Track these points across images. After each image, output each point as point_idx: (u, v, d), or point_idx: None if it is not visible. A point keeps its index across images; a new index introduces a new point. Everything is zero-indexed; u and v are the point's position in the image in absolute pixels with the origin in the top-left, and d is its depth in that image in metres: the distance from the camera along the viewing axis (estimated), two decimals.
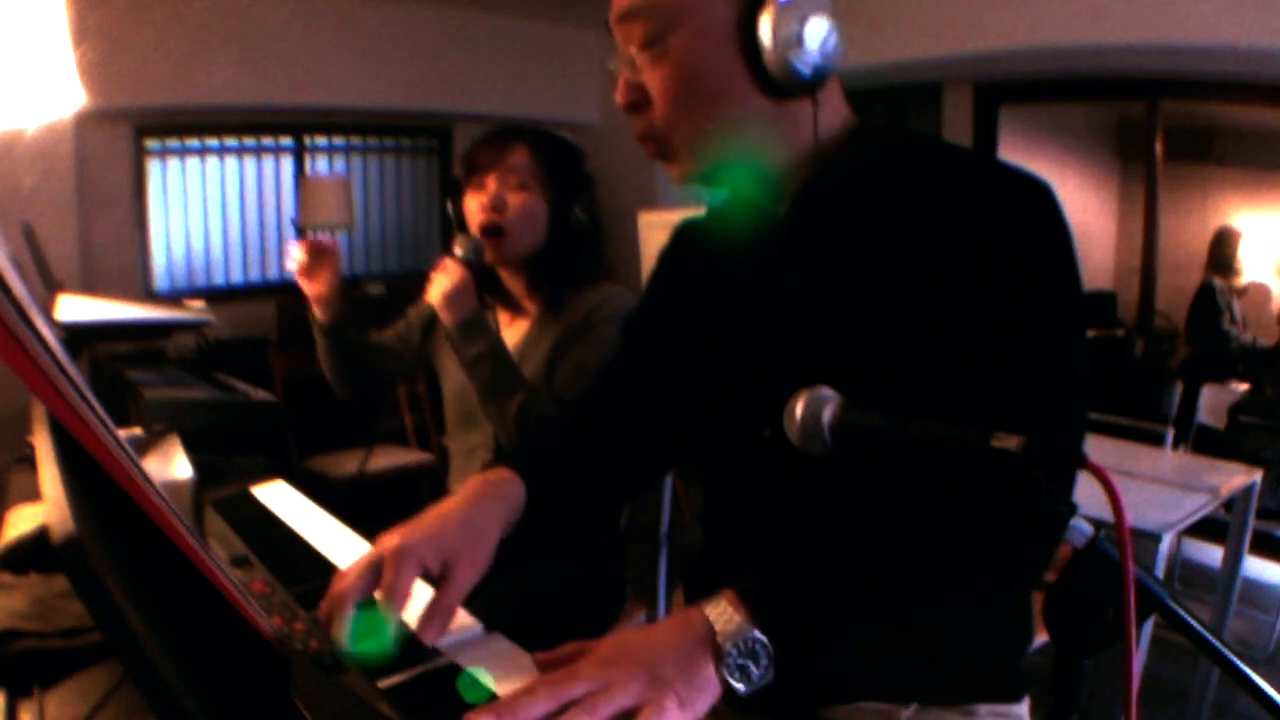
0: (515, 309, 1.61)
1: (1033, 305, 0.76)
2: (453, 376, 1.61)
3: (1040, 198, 0.78)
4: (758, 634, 0.69)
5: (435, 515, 0.85)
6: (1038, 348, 0.76)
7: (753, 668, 0.69)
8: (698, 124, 0.83)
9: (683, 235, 1.08)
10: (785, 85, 0.80)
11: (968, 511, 0.71)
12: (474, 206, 1.52)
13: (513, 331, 1.59)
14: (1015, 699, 0.89)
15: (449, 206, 1.60)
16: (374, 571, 0.79)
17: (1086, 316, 0.80)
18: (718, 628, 0.70)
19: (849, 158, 0.85)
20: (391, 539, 0.81)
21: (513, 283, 1.59)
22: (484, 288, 1.55)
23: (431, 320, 1.57)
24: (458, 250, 1.46)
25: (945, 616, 0.75)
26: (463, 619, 0.85)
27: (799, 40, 0.78)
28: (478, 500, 0.88)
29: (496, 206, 1.49)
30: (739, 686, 0.69)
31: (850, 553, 0.74)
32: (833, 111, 0.86)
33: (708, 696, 0.68)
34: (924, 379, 0.77)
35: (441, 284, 1.44)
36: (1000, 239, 0.76)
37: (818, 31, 0.79)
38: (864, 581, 0.73)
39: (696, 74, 0.81)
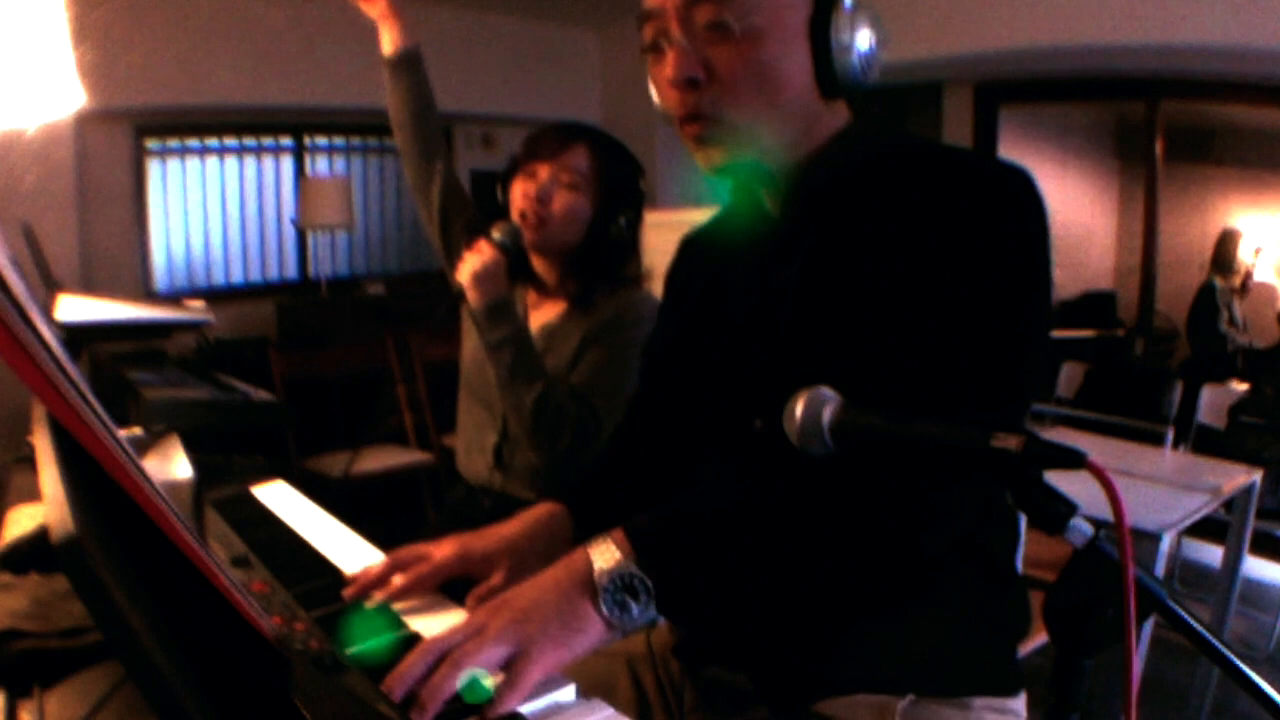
0: (546, 293, 1.61)
1: (983, 278, 0.76)
2: (472, 341, 1.61)
3: (1012, 182, 0.78)
4: (635, 569, 0.72)
5: (488, 534, 0.95)
6: (978, 321, 0.75)
7: (632, 603, 0.72)
8: (763, 108, 0.83)
9: (686, 249, 1.09)
10: (843, 85, 0.83)
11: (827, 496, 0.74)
12: (518, 193, 1.52)
13: (541, 314, 1.59)
14: (1012, 693, 0.89)
15: (498, 191, 1.59)
16: (414, 561, 0.90)
17: (1046, 301, 0.80)
18: (597, 565, 0.73)
19: (839, 158, 0.87)
20: (445, 545, 0.92)
21: (545, 272, 1.59)
22: (516, 271, 1.55)
23: (461, 298, 1.54)
24: (495, 234, 1.46)
25: (811, 581, 0.78)
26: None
27: (865, 44, 0.82)
28: (530, 533, 0.97)
29: (541, 199, 1.49)
30: (616, 620, 0.72)
31: (736, 509, 0.77)
32: (837, 113, 0.88)
33: (588, 636, 0.71)
34: (903, 367, 0.77)
35: (473, 264, 1.43)
36: (961, 216, 0.77)
37: (877, 38, 0.83)
38: (739, 531, 0.76)
39: (778, 59, 0.81)
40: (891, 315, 0.78)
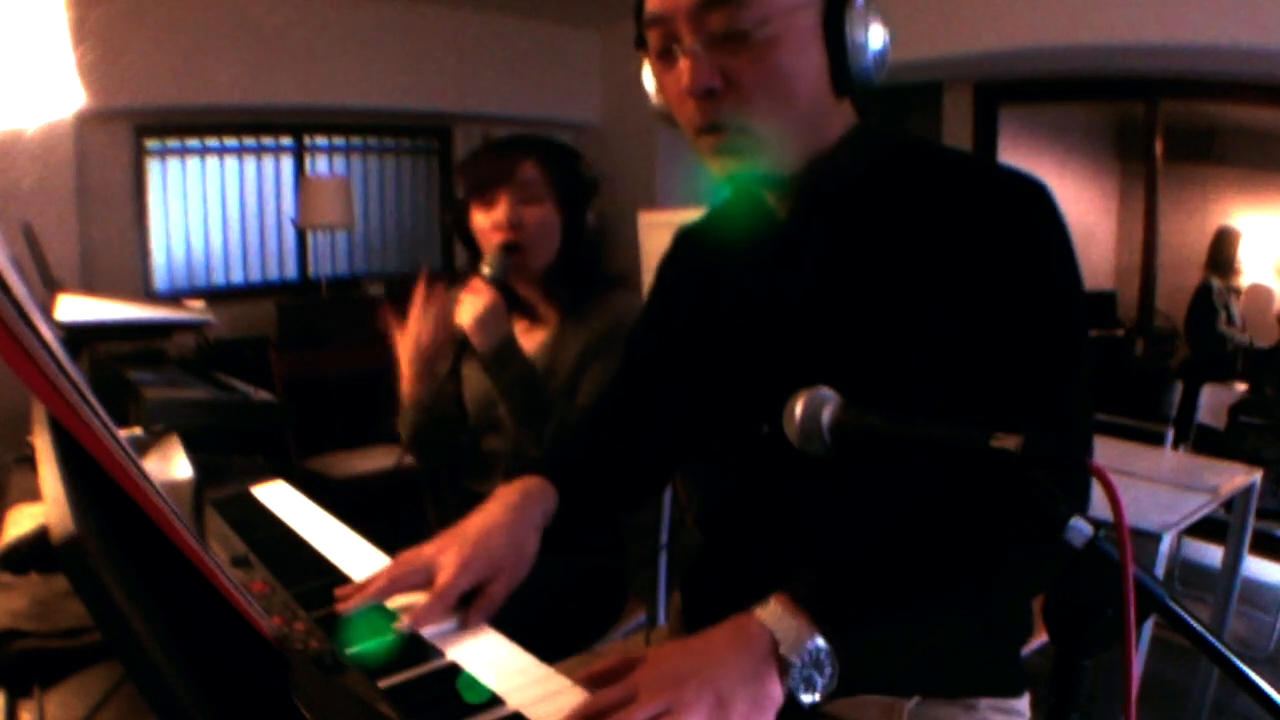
0: (531, 317, 1.60)
1: (1031, 303, 0.76)
2: (474, 382, 1.59)
3: (1035, 196, 0.79)
4: (821, 642, 0.67)
5: (480, 528, 0.89)
6: (1037, 344, 0.76)
7: (818, 678, 0.67)
8: (783, 113, 0.81)
9: (681, 242, 1.08)
10: (858, 83, 0.82)
11: (980, 508, 0.71)
12: (487, 225, 1.49)
13: (530, 338, 1.57)
14: (1016, 694, 0.89)
15: (446, 218, 1.58)
16: (422, 576, 0.85)
17: (1087, 314, 0.81)
18: (779, 638, 0.68)
19: (848, 159, 0.86)
20: (449, 554, 0.85)
21: (528, 292, 1.58)
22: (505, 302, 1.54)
23: (464, 342, 1.48)
24: (485, 270, 1.44)
25: (969, 613, 0.76)
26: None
27: (879, 41, 0.81)
28: (518, 511, 0.92)
29: (514, 225, 1.47)
30: (807, 699, 0.67)
31: (883, 554, 0.73)
32: (844, 112, 0.87)
33: (771, 714, 0.66)
34: (918, 377, 0.77)
35: (473, 306, 1.41)
36: (996, 239, 0.77)
37: (886, 34, 0.82)
38: (903, 582, 0.72)
39: (794, 63, 0.80)
40: (927, 332, 0.77)
